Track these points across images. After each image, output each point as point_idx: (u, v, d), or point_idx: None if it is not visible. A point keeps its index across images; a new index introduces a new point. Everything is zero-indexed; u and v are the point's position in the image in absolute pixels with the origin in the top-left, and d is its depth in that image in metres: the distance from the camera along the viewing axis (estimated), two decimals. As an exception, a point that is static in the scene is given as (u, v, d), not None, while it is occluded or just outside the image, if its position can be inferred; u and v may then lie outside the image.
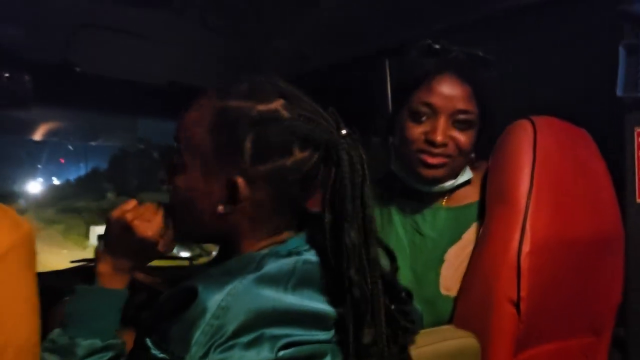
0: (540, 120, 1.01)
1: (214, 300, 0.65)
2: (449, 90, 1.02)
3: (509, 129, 1.02)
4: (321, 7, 1.42)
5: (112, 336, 0.82)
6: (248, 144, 0.73)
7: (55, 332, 0.82)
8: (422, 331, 0.89)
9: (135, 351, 0.71)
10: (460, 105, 1.02)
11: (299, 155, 0.73)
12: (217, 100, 0.76)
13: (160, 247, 0.86)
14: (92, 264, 1.69)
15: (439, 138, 1.01)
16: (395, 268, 0.79)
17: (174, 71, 1.82)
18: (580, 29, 1.20)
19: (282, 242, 0.77)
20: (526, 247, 0.92)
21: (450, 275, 1.03)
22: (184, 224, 0.84)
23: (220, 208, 0.75)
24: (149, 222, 0.83)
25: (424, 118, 1.04)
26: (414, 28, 1.44)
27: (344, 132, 0.74)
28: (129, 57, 1.70)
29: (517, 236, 0.92)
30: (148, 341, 0.67)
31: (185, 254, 2.14)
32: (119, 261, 0.87)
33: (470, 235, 1.05)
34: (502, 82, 1.08)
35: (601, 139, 1.08)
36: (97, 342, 0.81)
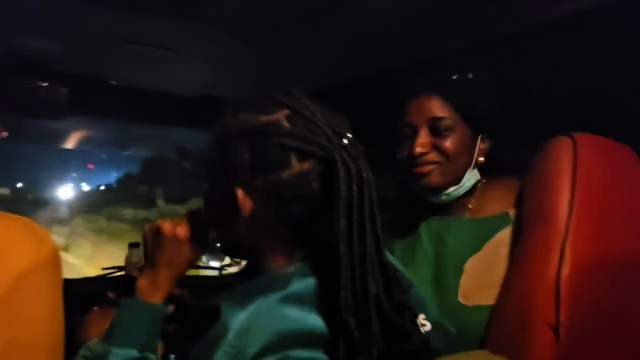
0: (581, 136, 0.97)
1: (237, 320, 0.64)
2: (420, 105, 1.12)
3: (547, 145, 0.98)
4: (351, 20, 1.41)
5: (150, 350, 0.83)
6: (247, 155, 0.73)
7: (94, 341, 0.84)
8: (455, 356, 0.86)
9: None
10: (434, 114, 1.10)
11: (297, 167, 0.71)
12: (228, 114, 0.77)
13: (193, 248, 0.90)
14: (123, 272, 1.72)
15: (416, 150, 1.09)
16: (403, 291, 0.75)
17: (206, 84, 1.84)
18: (623, 43, 1.15)
19: (304, 261, 0.75)
20: (566, 270, 0.87)
21: (468, 285, 1.05)
22: (220, 239, 0.86)
23: (227, 220, 0.76)
24: (178, 224, 0.88)
25: (407, 137, 1.13)
26: (445, 39, 1.41)
27: (345, 142, 0.71)
28: (161, 71, 1.73)
29: (556, 258, 0.88)
30: (172, 358, 0.67)
31: (215, 263, 2.14)
32: (157, 273, 0.89)
33: (490, 247, 1.06)
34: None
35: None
36: (134, 353, 0.81)
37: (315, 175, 0.71)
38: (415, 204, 1.21)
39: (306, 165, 0.71)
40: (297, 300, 0.68)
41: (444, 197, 1.14)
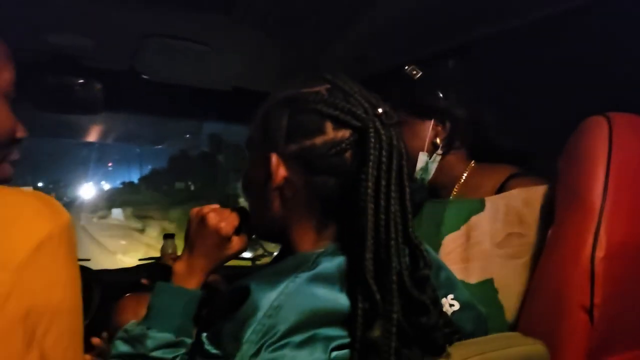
0: (617, 116, 0.94)
1: (267, 299, 0.64)
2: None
3: (581, 126, 0.95)
4: (378, 9, 1.40)
5: (187, 334, 0.85)
6: (284, 122, 0.74)
7: (131, 323, 0.86)
8: (487, 337, 0.85)
9: (193, 346, 0.72)
10: None
11: (331, 134, 0.72)
12: (275, 92, 0.80)
13: (235, 245, 0.90)
14: (159, 262, 1.75)
15: None
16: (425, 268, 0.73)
17: (236, 77, 1.86)
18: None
19: (335, 241, 0.76)
20: (600, 252, 0.86)
21: (443, 257, 1.09)
22: (253, 219, 0.87)
23: (261, 191, 0.78)
24: (224, 217, 0.88)
25: None
26: (475, 28, 1.40)
27: (379, 110, 0.72)
28: (192, 64, 1.75)
29: (590, 240, 0.86)
30: (203, 336, 0.68)
31: (247, 254, 2.16)
32: (195, 260, 0.90)
33: (466, 227, 1.12)
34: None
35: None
36: (170, 337, 0.83)
37: (348, 143, 0.72)
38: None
39: (340, 134, 0.72)
40: (326, 279, 0.69)
41: (419, 179, 1.27)
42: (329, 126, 0.72)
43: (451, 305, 0.86)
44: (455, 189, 1.26)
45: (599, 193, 0.88)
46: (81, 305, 0.53)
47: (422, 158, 1.25)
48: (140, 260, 1.89)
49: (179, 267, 0.90)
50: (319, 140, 0.72)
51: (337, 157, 0.72)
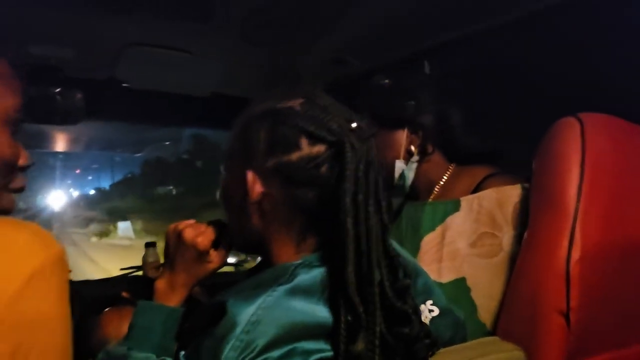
0: (588, 116, 0.94)
1: (245, 314, 0.64)
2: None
3: (553, 128, 0.95)
4: (354, 14, 1.41)
5: (168, 353, 0.83)
6: (260, 137, 0.75)
7: (112, 345, 0.85)
8: (466, 344, 0.85)
9: None
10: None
11: (307, 149, 0.72)
12: (250, 106, 0.80)
13: (214, 259, 0.89)
14: (140, 272, 1.73)
15: None
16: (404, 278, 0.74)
17: (215, 83, 1.85)
18: (635, 16, 1.12)
19: (313, 252, 0.75)
20: (576, 254, 0.86)
21: (421, 259, 1.15)
22: (231, 232, 0.87)
23: (239, 206, 0.77)
24: (201, 232, 0.87)
25: None
26: (453, 28, 1.40)
27: (354, 125, 0.73)
28: (172, 72, 1.75)
29: (565, 243, 0.87)
30: (181, 355, 0.67)
31: (231, 259, 2.15)
32: (175, 276, 0.89)
33: (442, 228, 1.16)
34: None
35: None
36: (152, 357, 0.82)
37: (324, 158, 0.72)
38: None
39: (316, 149, 0.72)
40: (304, 292, 0.69)
41: (399, 185, 1.29)
42: (304, 141, 0.72)
43: (430, 310, 0.86)
44: (434, 192, 1.28)
45: (573, 195, 0.88)
46: (71, 340, 0.52)
47: (399, 165, 1.27)
48: (121, 269, 1.87)
49: (160, 284, 0.89)
50: (295, 155, 0.72)
51: (314, 171, 0.72)
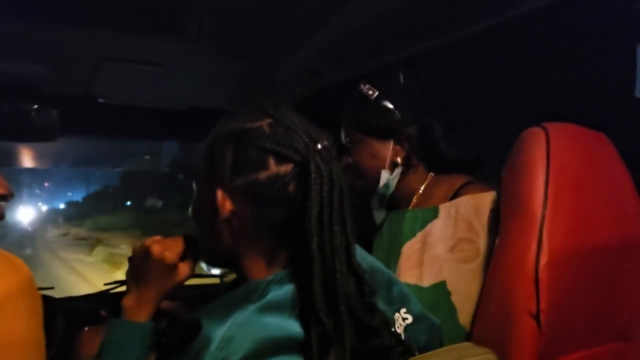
0: (553, 126, 0.98)
1: (219, 331, 0.66)
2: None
3: (520, 137, 0.99)
4: (334, 23, 1.43)
5: None
6: (228, 157, 0.76)
7: None
8: (440, 350, 0.87)
9: None
10: (342, 133, 1.34)
11: (274, 169, 0.74)
12: (218, 126, 0.82)
13: (181, 272, 0.90)
14: (124, 287, 1.72)
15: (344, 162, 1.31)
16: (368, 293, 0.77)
17: (193, 96, 1.86)
18: (595, 29, 1.17)
19: (284, 268, 0.78)
20: (544, 259, 0.89)
21: (402, 266, 1.18)
22: (203, 248, 0.88)
23: (209, 223, 0.79)
24: (167, 247, 0.88)
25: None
26: (428, 39, 1.43)
27: (319, 146, 0.75)
28: (147, 86, 1.75)
29: (533, 247, 0.90)
30: None
31: (215, 271, 2.14)
32: (142, 292, 0.90)
33: (422, 234, 1.19)
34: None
35: (620, 142, 1.05)
36: None
37: (290, 177, 0.74)
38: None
39: (283, 168, 0.74)
40: (276, 307, 0.71)
41: (381, 194, 1.32)
42: (271, 161, 0.74)
43: (404, 319, 0.89)
44: (414, 200, 1.30)
45: (540, 202, 0.92)
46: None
47: (385, 175, 1.29)
48: (105, 284, 1.86)
49: (127, 301, 0.89)
50: (262, 174, 0.74)
51: (281, 190, 0.74)
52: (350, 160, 1.32)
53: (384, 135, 1.28)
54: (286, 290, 0.72)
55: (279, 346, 0.68)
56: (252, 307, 0.69)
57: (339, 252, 0.72)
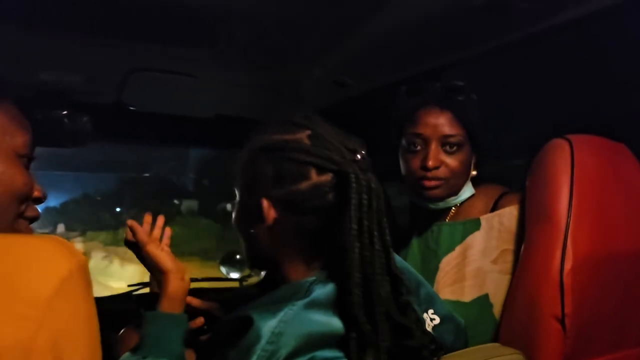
0: (576, 137, 1.03)
1: (268, 326, 0.71)
2: (433, 120, 1.19)
3: (545, 148, 1.04)
4: (359, 34, 1.47)
5: (181, 358, 0.89)
6: (270, 169, 0.81)
7: (126, 355, 0.90)
8: (468, 349, 0.92)
9: None
10: (446, 131, 1.18)
11: (314, 179, 0.79)
12: (255, 134, 0.86)
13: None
14: (147, 289, 1.76)
15: (430, 163, 1.17)
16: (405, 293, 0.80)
17: (219, 104, 1.91)
18: (617, 41, 1.21)
19: (322, 269, 0.83)
20: (568, 265, 0.93)
21: (440, 281, 1.18)
22: (246, 253, 0.92)
23: (253, 230, 0.84)
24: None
25: (418, 148, 1.21)
26: (451, 53, 1.47)
27: (357, 157, 0.80)
28: (177, 95, 1.81)
29: (558, 254, 0.94)
30: None
31: (235, 275, 2.19)
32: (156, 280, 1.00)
33: (461, 248, 1.18)
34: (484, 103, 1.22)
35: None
36: None
37: (330, 187, 0.79)
38: (413, 208, 1.37)
39: (322, 178, 0.79)
40: (320, 305, 0.76)
41: (440, 205, 1.25)
42: (312, 172, 0.79)
43: (432, 319, 0.93)
44: (451, 212, 1.28)
45: (564, 211, 0.96)
46: (99, 336, 0.58)
47: (465, 189, 1.25)
48: (129, 285, 1.91)
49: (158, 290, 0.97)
50: (304, 185, 0.79)
51: (320, 199, 0.79)
52: (443, 161, 1.19)
53: (477, 143, 1.23)
54: (328, 289, 0.77)
55: (323, 341, 0.72)
56: (299, 304, 0.74)
57: (380, 257, 0.76)
